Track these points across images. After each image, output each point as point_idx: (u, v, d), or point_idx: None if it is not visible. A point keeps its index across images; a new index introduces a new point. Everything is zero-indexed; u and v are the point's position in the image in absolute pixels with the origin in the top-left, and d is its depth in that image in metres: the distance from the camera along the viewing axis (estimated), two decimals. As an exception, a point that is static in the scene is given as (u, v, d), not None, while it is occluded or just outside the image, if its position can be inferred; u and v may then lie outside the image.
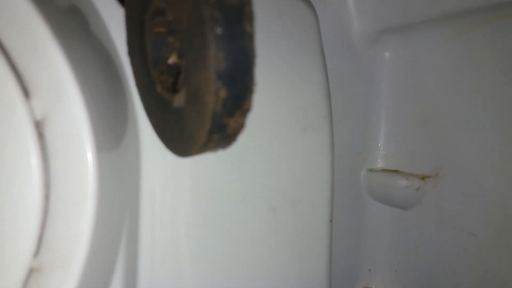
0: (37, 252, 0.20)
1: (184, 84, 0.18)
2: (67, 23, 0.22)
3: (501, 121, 0.36)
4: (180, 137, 0.19)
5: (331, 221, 0.33)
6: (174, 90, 0.20)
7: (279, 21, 0.33)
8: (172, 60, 0.21)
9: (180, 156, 0.20)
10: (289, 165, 0.32)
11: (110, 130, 0.22)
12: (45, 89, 0.20)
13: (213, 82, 0.16)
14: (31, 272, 0.20)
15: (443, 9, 0.37)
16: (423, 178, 0.42)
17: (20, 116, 0.19)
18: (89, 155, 0.20)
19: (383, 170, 0.45)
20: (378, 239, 0.46)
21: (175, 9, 0.17)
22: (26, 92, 0.20)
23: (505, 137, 0.35)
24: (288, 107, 0.32)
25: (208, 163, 0.28)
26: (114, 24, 0.25)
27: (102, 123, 0.21)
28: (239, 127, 0.18)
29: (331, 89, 0.35)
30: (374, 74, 0.44)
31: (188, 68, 0.18)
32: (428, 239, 0.42)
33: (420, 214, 0.42)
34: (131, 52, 0.23)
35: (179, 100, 0.19)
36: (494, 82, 0.36)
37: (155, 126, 0.22)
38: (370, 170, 0.46)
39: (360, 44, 0.44)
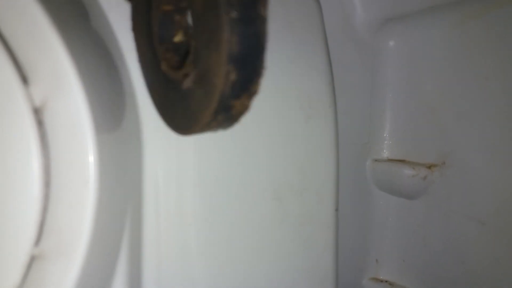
0: (38, 239, 0.20)
1: (192, 64, 0.18)
2: (65, 8, 0.22)
3: (509, 108, 0.35)
4: (183, 115, 0.19)
5: (337, 210, 0.33)
6: (179, 68, 0.20)
7: (282, 9, 0.33)
8: (178, 38, 0.21)
9: (180, 133, 0.20)
10: (294, 154, 0.31)
11: (111, 116, 0.22)
12: (44, 75, 0.20)
13: (225, 65, 0.16)
14: (33, 259, 0.20)
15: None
16: (429, 167, 0.41)
17: (19, 102, 0.19)
18: (90, 141, 0.20)
19: (389, 160, 0.45)
20: (385, 229, 0.46)
21: None
22: (24, 79, 0.19)
23: (513, 123, 0.35)
24: (292, 96, 0.32)
25: (212, 152, 0.28)
26: (114, 9, 0.25)
27: (102, 109, 0.21)
28: (244, 109, 0.18)
29: (335, 79, 0.35)
30: (378, 63, 0.44)
31: (199, 49, 0.18)
32: (436, 228, 0.41)
33: (427, 204, 0.41)
34: (136, 28, 0.23)
35: (185, 79, 0.19)
36: (502, 68, 0.35)
37: (157, 103, 0.22)
38: (376, 160, 0.45)
39: (364, 33, 0.44)
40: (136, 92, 0.25)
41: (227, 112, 0.17)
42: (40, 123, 0.20)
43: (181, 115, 0.20)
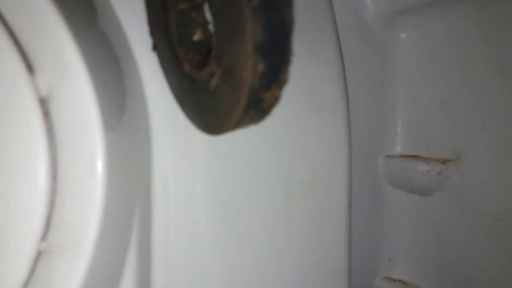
0: (45, 234, 0.19)
1: (215, 61, 0.18)
2: (73, 4, 0.21)
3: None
4: (213, 115, 0.19)
5: (349, 206, 0.32)
6: (202, 67, 0.19)
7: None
8: (197, 36, 0.20)
9: (211, 134, 0.19)
10: (305, 148, 0.31)
11: (118, 108, 0.21)
12: (49, 65, 0.19)
13: (251, 56, 0.15)
14: (40, 254, 0.19)
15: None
16: (444, 162, 0.40)
17: (25, 93, 0.19)
18: (97, 133, 0.19)
19: (402, 156, 0.44)
20: (398, 227, 0.45)
21: None
22: (30, 68, 0.19)
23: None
24: (303, 88, 0.31)
25: (221, 147, 0.27)
26: (122, 3, 0.24)
27: (109, 100, 0.20)
28: (275, 100, 0.17)
29: (346, 74, 0.34)
30: (390, 56, 0.43)
31: (221, 44, 0.17)
32: (451, 225, 0.40)
33: (442, 200, 0.40)
34: (153, 32, 0.23)
35: (210, 78, 0.18)
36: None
37: (183, 105, 0.22)
38: (388, 157, 0.44)
39: (375, 26, 0.43)
40: (144, 86, 0.25)
41: (258, 106, 0.17)
42: (46, 114, 0.19)
43: (211, 115, 0.19)
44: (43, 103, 0.19)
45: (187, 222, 0.25)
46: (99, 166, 0.19)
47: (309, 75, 0.31)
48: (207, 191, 0.26)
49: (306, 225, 0.30)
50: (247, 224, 0.29)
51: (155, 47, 0.23)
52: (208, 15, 0.21)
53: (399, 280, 0.45)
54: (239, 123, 0.18)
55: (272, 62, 0.16)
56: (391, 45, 0.42)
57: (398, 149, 0.44)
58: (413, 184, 0.42)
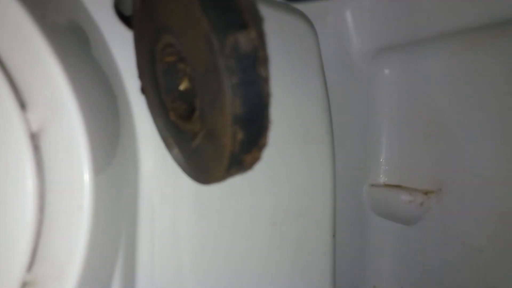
0: (31, 265, 0.19)
1: (199, 121, 0.19)
2: (66, 36, 0.22)
3: (504, 136, 0.35)
4: (198, 168, 0.20)
5: (334, 236, 0.33)
6: (188, 118, 0.20)
7: (280, 38, 0.33)
8: (183, 86, 0.21)
9: (199, 183, 0.20)
10: (291, 179, 0.31)
11: (108, 141, 0.22)
12: (42, 101, 0.20)
13: (230, 126, 0.16)
14: (25, 285, 0.19)
15: (442, 28, 0.38)
16: (426, 193, 0.41)
17: (16, 128, 0.19)
18: (85, 167, 0.20)
19: (386, 185, 0.45)
20: (382, 255, 0.45)
21: (190, 54, 0.18)
22: (22, 104, 0.20)
23: (509, 151, 0.35)
24: (290, 122, 0.32)
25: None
26: (116, 42, 0.25)
27: (99, 134, 0.21)
28: (256, 160, 0.18)
29: (332, 106, 0.35)
30: (374, 90, 0.44)
31: (204, 109, 0.18)
32: (433, 255, 0.41)
33: (424, 230, 0.41)
34: (142, 76, 0.23)
35: (194, 134, 0.19)
36: (496, 97, 0.36)
37: (170, 149, 0.23)
38: (373, 185, 0.45)
39: (360, 61, 0.44)
40: (134, 117, 0.25)
41: (239, 166, 0.18)
42: (36, 148, 0.20)
43: (196, 167, 0.20)
44: (34, 138, 0.20)
45: (172, 253, 0.26)
46: (86, 199, 0.20)
47: (296, 110, 0.32)
48: (193, 221, 0.27)
49: (291, 255, 0.31)
50: (232, 253, 0.29)
51: (143, 90, 0.24)
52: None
53: (384, 308, 0.46)
54: (223, 178, 0.19)
55: (251, 131, 0.17)
56: (375, 80, 0.44)
57: (382, 178, 0.45)
58: (396, 214, 0.43)
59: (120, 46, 0.25)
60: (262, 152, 0.18)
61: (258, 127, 0.17)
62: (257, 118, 0.17)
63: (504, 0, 0.34)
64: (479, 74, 0.36)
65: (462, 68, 0.38)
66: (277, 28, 0.33)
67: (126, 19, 0.27)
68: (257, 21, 0.30)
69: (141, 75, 0.23)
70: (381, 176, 0.45)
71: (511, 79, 0.35)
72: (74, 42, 0.23)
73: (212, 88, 0.17)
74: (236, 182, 0.30)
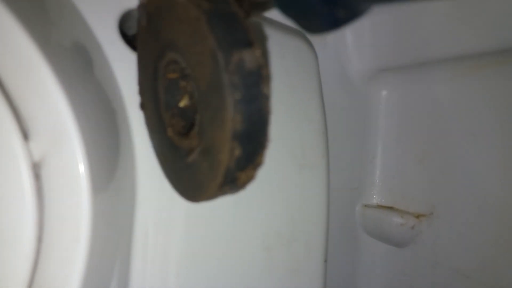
0: (27, 295, 0.19)
1: (197, 136, 0.19)
2: (70, 64, 0.22)
3: (496, 164, 0.36)
4: (190, 184, 0.20)
5: (325, 261, 0.33)
6: (185, 134, 0.20)
7: (280, 60, 0.34)
8: (183, 103, 0.21)
9: (188, 200, 0.20)
10: (285, 204, 0.32)
11: (108, 173, 0.22)
12: (44, 131, 0.20)
13: (229, 142, 0.16)
14: (20, 316, 0.19)
15: (441, 53, 0.38)
16: (418, 216, 0.41)
17: (18, 159, 0.19)
18: (85, 199, 0.20)
19: (379, 206, 0.45)
20: (373, 276, 0.46)
21: (194, 70, 0.18)
22: (25, 134, 0.20)
23: (500, 180, 0.35)
24: (286, 145, 0.32)
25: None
26: (119, 66, 0.25)
27: (100, 166, 0.21)
28: (250, 179, 0.18)
29: (328, 125, 0.35)
30: (371, 111, 0.45)
31: (204, 124, 0.18)
32: (423, 278, 0.41)
33: (415, 253, 0.42)
34: (142, 92, 0.24)
35: (190, 149, 0.19)
36: (491, 126, 0.36)
37: (163, 167, 0.23)
38: (366, 206, 0.46)
39: (358, 81, 0.45)
40: (134, 145, 0.25)
41: (232, 183, 0.18)
42: (37, 177, 0.20)
43: (188, 184, 0.20)
44: (35, 167, 0.20)
45: (163, 278, 0.26)
46: (84, 230, 0.20)
47: (293, 134, 0.33)
48: (185, 248, 0.27)
49: (282, 280, 0.31)
50: (223, 277, 0.29)
51: (143, 106, 0.24)
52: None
53: (372, 328, 0.46)
54: (214, 196, 0.19)
55: (249, 148, 0.17)
56: (373, 100, 0.44)
57: (376, 199, 0.46)
58: (388, 235, 0.43)
59: (123, 66, 0.25)
60: (257, 170, 0.18)
61: (256, 144, 0.17)
62: (256, 135, 0.17)
63: (502, 29, 0.35)
64: (476, 101, 0.37)
65: (459, 94, 0.38)
66: (277, 48, 0.34)
67: (129, 40, 0.28)
68: (262, 40, 0.31)
69: (142, 92, 0.23)
70: (374, 196, 0.46)
71: (505, 109, 0.35)
72: (77, 65, 0.23)
73: (213, 103, 0.17)
74: (229, 206, 0.30)
